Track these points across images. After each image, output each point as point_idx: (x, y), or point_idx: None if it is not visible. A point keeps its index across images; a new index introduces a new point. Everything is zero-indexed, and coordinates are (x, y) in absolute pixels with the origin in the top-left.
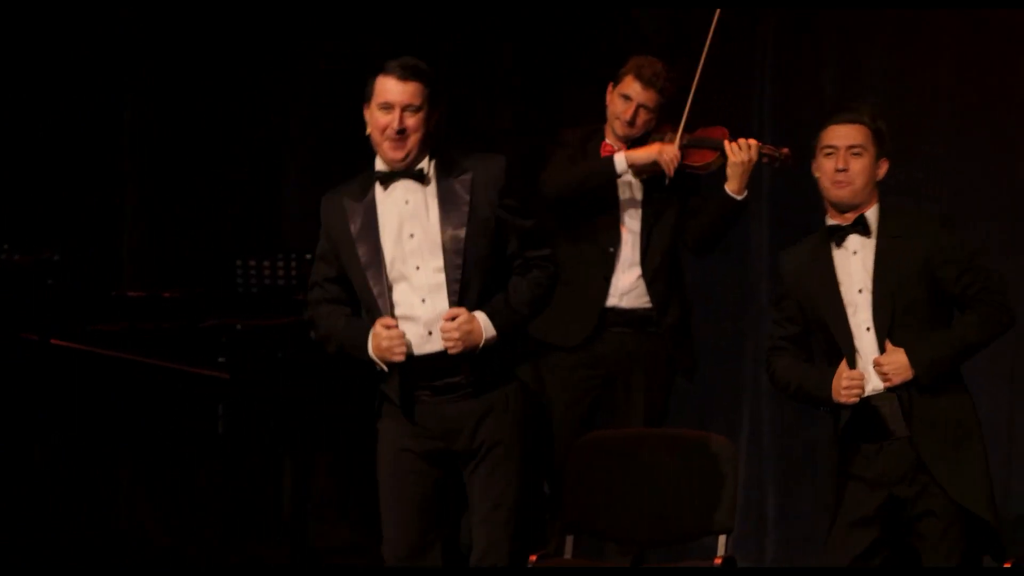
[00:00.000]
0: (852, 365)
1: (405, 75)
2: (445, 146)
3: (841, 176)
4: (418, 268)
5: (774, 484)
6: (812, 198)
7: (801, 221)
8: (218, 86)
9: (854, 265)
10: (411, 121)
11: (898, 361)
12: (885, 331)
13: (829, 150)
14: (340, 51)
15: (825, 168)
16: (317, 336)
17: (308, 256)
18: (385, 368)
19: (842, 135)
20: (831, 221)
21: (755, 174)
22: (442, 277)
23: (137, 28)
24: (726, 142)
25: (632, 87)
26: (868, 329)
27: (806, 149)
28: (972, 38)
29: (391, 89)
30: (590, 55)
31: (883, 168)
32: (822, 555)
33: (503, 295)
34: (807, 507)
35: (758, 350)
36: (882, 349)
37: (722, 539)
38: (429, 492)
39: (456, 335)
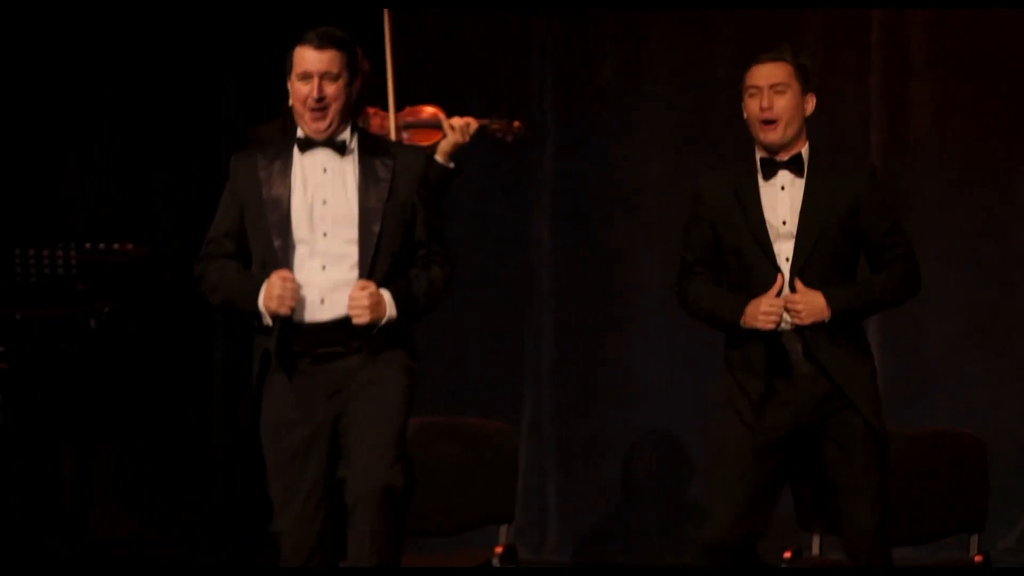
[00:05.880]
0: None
1: (321, 44)
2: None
3: (767, 114)
4: (325, 235)
5: (555, 471)
6: (593, 189)
7: (582, 212)
8: None
9: (781, 199)
10: (330, 89)
11: (814, 302)
12: (800, 265)
13: (753, 90)
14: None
15: (751, 109)
16: (204, 288)
17: (88, 245)
18: (269, 322)
19: (764, 74)
20: (762, 155)
21: (537, 167)
22: (350, 248)
23: None
24: (446, 121)
25: None
26: (787, 260)
27: (586, 135)
28: (748, 30)
29: (308, 58)
30: None
31: (810, 103)
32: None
33: (405, 282)
34: (589, 494)
35: (538, 338)
36: (792, 284)
37: (503, 528)
38: (313, 459)
39: (366, 303)
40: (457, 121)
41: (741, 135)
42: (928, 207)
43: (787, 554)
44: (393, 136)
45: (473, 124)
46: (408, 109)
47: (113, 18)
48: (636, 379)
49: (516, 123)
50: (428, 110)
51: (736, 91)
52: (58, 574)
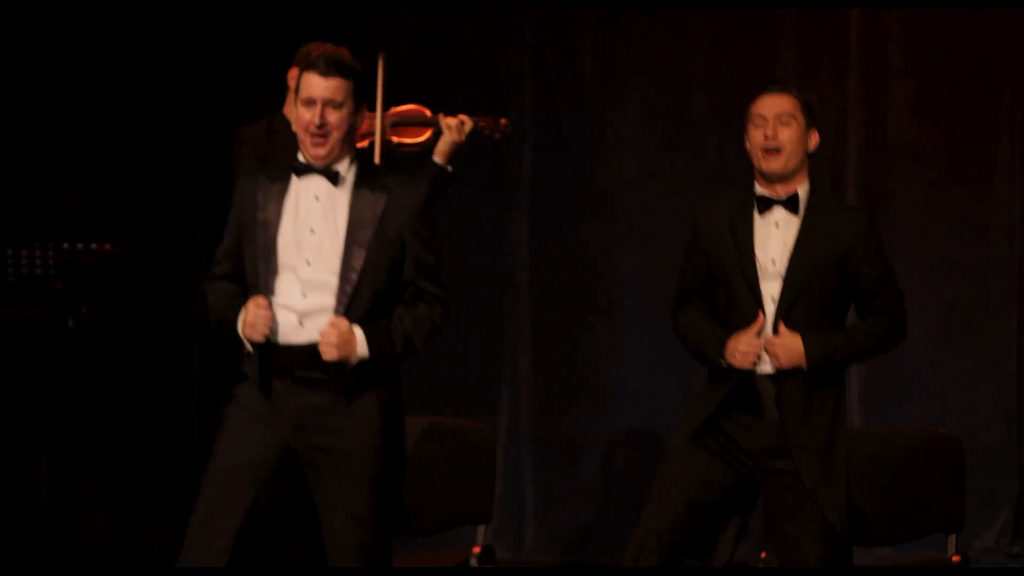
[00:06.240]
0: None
1: (328, 71)
2: (369, 160)
3: (771, 143)
4: (309, 264)
5: (533, 471)
6: (572, 189)
7: (561, 212)
8: None
9: (773, 237)
10: (333, 117)
11: (793, 347)
12: (786, 307)
13: (758, 120)
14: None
15: (755, 138)
16: (205, 309)
17: (66, 245)
18: (250, 348)
19: (770, 104)
20: (760, 191)
21: (515, 167)
22: (331, 278)
23: None
24: (443, 119)
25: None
26: (773, 300)
27: (565, 135)
28: (727, 29)
29: (314, 84)
30: None
31: (814, 139)
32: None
33: (386, 321)
34: (566, 495)
35: (517, 338)
36: (776, 324)
37: (481, 529)
38: (242, 494)
39: (334, 340)
40: (452, 120)
41: (719, 135)
42: (906, 208)
43: (764, 554)
44: (378, 136)
45: (468, 122)
46: (394, 109)
47: (99, 17)
48: (614, 378)
49: (503, 120)
50: (416, 108)
51: (714, 91)
52: (37, 575)
